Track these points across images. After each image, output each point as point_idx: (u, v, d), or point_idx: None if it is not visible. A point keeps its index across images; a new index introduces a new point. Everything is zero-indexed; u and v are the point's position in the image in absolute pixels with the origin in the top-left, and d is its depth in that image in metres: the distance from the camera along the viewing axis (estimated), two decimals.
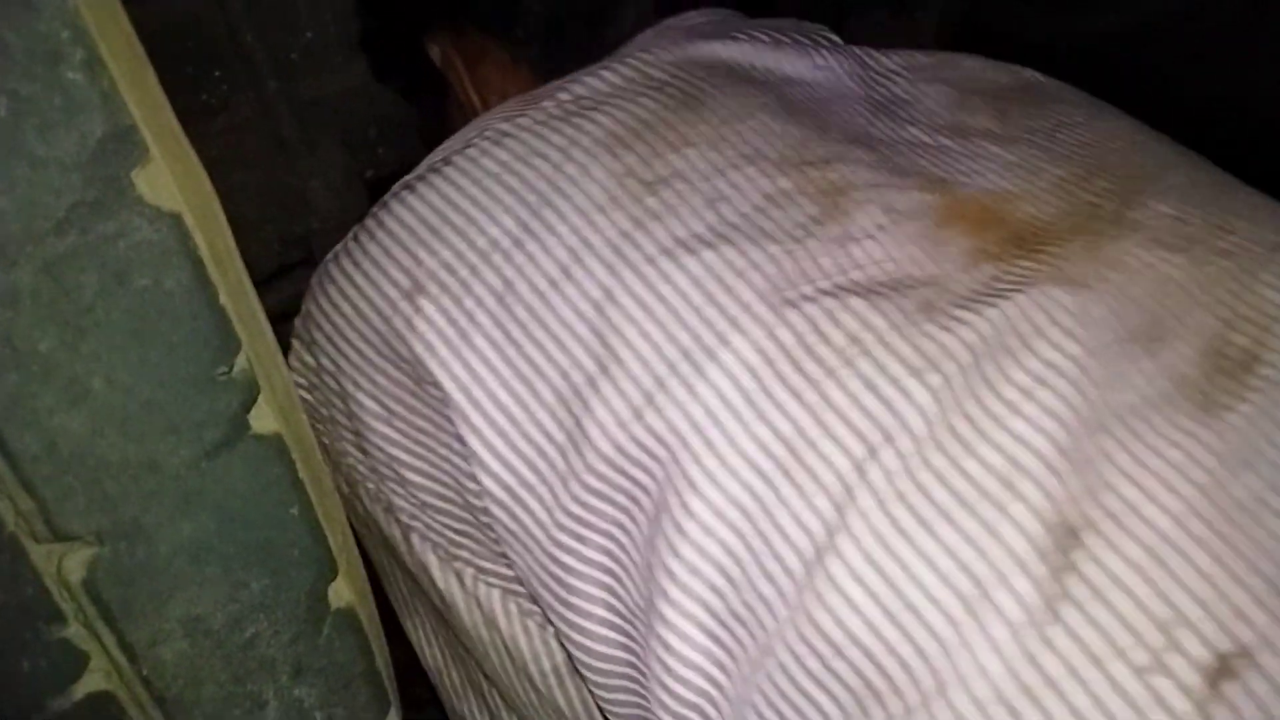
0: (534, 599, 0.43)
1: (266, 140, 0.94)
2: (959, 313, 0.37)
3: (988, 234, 0.41)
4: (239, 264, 0.40)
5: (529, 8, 0.57)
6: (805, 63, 0.51)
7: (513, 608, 0.47)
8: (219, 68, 0.91)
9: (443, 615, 0.50)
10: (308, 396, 0.53)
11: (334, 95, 0.98)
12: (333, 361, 0.50)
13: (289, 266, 1.02)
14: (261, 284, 1.01)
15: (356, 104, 1.02)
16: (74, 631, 0.31)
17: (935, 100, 0.51)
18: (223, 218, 0.40)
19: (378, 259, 0.47)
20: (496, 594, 0.47)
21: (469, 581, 0.48)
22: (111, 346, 0.28)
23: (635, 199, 0.42)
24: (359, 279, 0.48)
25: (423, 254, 0.45)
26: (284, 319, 1.05)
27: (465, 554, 0.48)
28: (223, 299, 0.31)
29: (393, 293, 0.46)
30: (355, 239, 0.50)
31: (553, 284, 0.42)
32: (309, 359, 0.52)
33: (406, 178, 0.51)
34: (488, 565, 0.47)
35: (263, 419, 0.33)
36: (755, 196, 0.41)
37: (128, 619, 0.31)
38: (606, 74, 0.49)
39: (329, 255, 0.52)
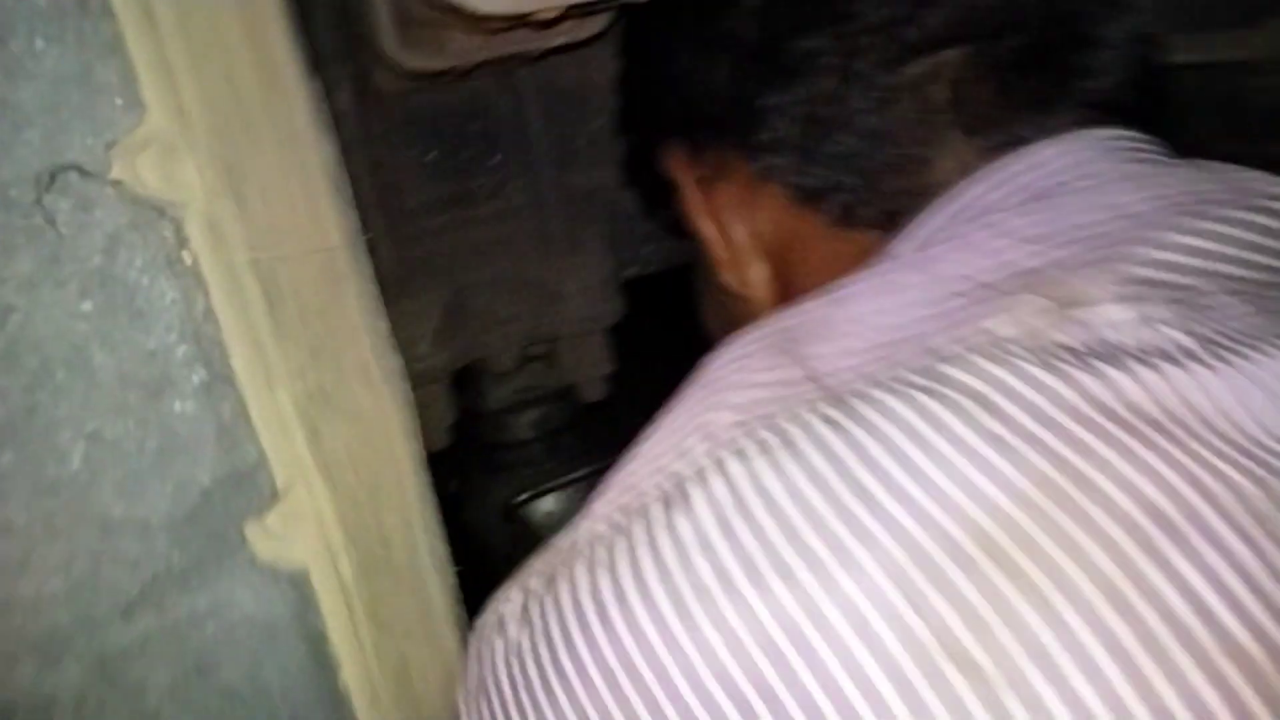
0: None
1: (531, 232, 0.89)
2: None
3: None
4: (420, 537, 0.31)
5: (771, 105, 0.39)
6: None
7: None
8: (498, 152, 0.88)
9: None
10: None
11: (610, 186, 0.92)
12: None
13: (527, 359, 0.97)
14: (499, 375, 0.96)
15: (630, 196, 0.96)
16: None
17: None
18: (414, 478, 0.31)
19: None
20: None
21: None
22: None
23: None
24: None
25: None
26: (508, 412, 1.01)
27: None
28: (345, 677, 0.22)
29: None
30: (502, 643, 0.31)
31: None
32: None
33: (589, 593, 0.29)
34: None
35: None
36: None
37: None
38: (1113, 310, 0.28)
39: (477, 633, 0.33)
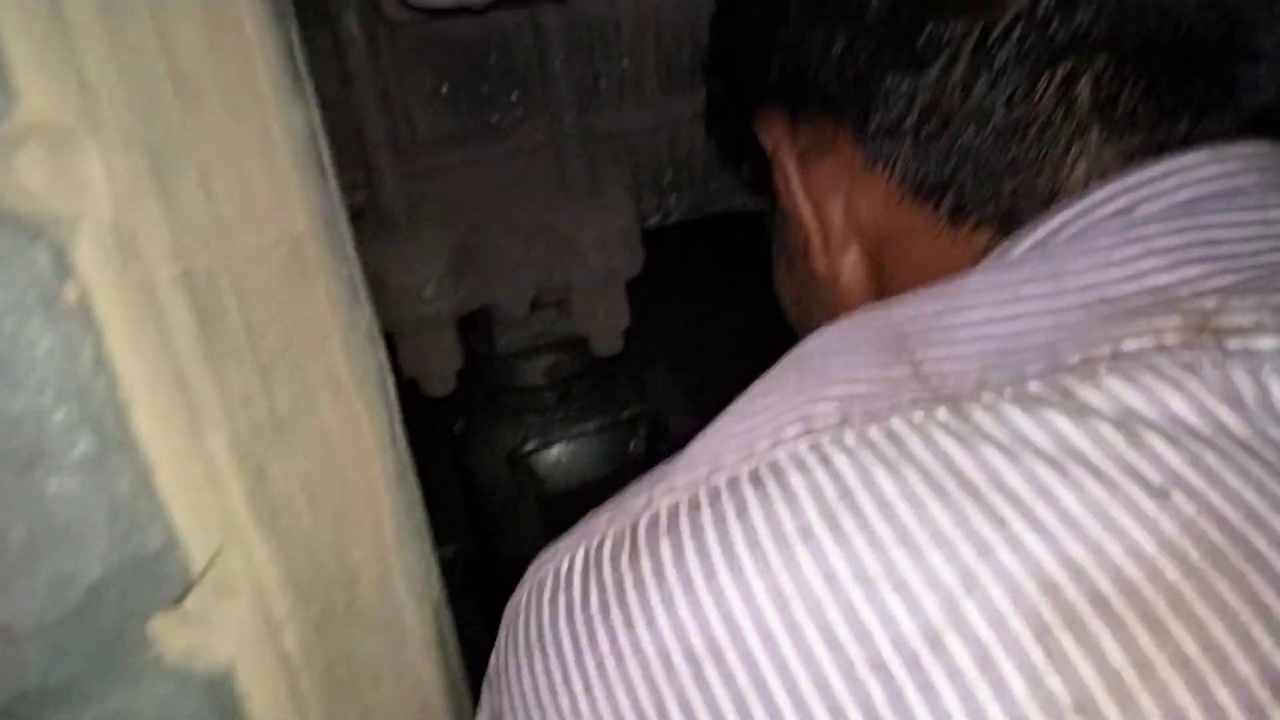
0: None
1: (548, 175, 0.86)
2: None
3: None
4: (394, 562, 0.27)
5: (894, 88, 0.36)
6: None
7: None
8: (518, 89, 0.83)
9: None
10: None
11: (634, 131, 0.88)
12: None
13: (538, 305, 0.94)
14: (507, 322, 0.93)
15: (657, 142, 0.92)
16: None
17: None
18: (390, 495, 0.27)
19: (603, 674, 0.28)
20: None
21: None
22: None
23: None
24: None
25: (673, 708, 0.26)
26: (519, 357, 0.98)
27: None
28: None
29: None
30: (565, 599, 0.30)
31: None
32: None
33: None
34: None
35: None
36: None
37: None
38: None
39: (529, 586, 0.32)
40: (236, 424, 0.19)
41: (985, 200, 0.35)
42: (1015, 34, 0.33)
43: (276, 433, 0.21)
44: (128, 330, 0.16)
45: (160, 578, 0.16)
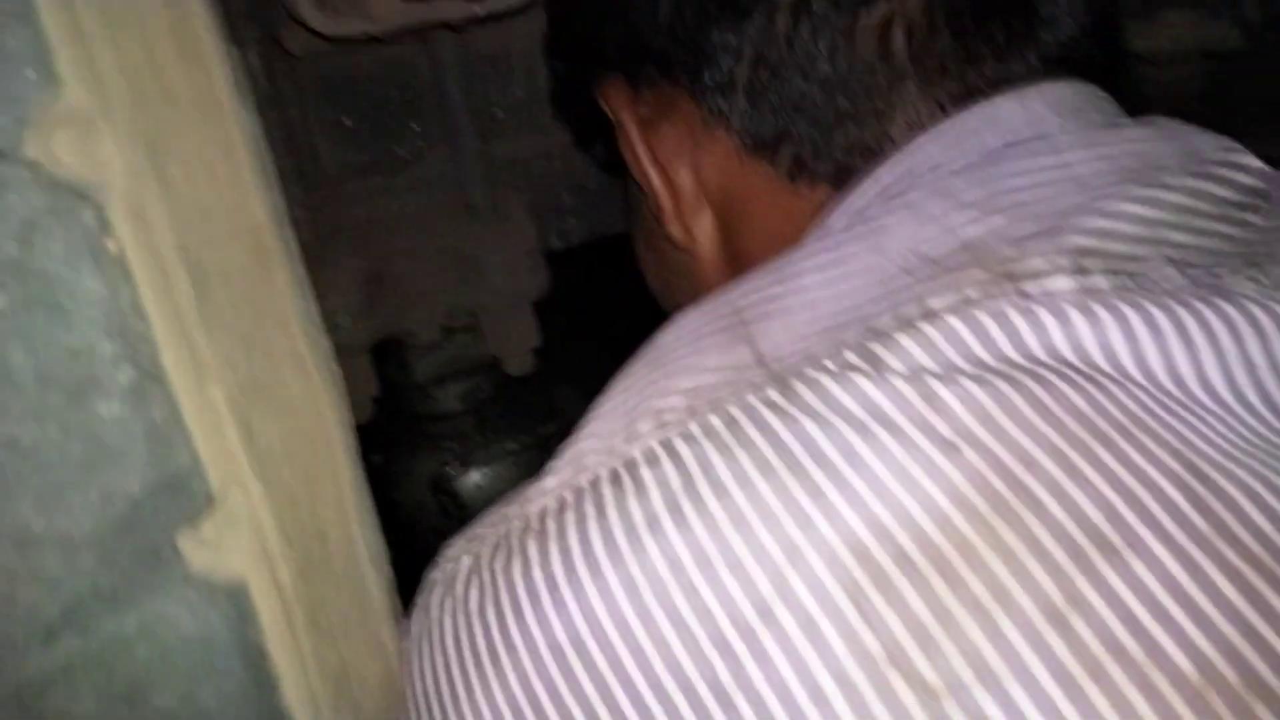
0: None
1: (452, 202, 0.88)
2: None
3: None
4: (356, 529, 0.30)
5: (721, 43, 0.37)
6: None
7: None
8: (417, 120, 0.85)
9: None
10: None
11: (532, 157, 0.91)
12: None
13: (451, 330, 0.95)
14: (424, 347, 0.94)
15: (554, 167, 0.95)
16: None
17: None
18: (348, 467, 0.30)
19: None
20: None
21: None
22: None
23: None
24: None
25: (544, 699, 0.27)
26: (434, 384, 0.99)
27: None
28: (288, 695, 0.21)
29: None
30: (450, 602, 0.31)
31: None
32: None
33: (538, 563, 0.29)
34: None
35: None
36: None
37: None
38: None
39: (425, 590, 0.33)
40: (227, 382, 0.22)
41: (820, 154, 0.36)
42: None
43: (256, 395, 0.24)
44: (149, 284, 0.19)
45: (187, 496, 0.19)
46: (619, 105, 0.42)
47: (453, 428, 0.95)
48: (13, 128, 0.16)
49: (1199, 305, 0.27)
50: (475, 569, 0.30)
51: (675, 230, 0.42)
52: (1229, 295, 0.28)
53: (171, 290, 0.19)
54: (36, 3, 0.16)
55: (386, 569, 0.35)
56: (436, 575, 0.32)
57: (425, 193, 0.86)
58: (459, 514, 0.95)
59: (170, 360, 0.18)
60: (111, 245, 0.17)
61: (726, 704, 0.24)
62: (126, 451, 0.17)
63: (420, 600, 0.32)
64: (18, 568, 0.17)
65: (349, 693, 0.27)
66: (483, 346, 0.90)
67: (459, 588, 0.30)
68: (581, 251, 0.94)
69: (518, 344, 0.92)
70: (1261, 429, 0.27)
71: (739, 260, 0.41)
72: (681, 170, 0.41)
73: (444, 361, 0.95)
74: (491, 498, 1.16)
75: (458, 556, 0.32)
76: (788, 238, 0.36)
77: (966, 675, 0.23)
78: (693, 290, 0.43)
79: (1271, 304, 0.27)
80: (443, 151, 0.86)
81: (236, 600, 0.20)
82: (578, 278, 0.97)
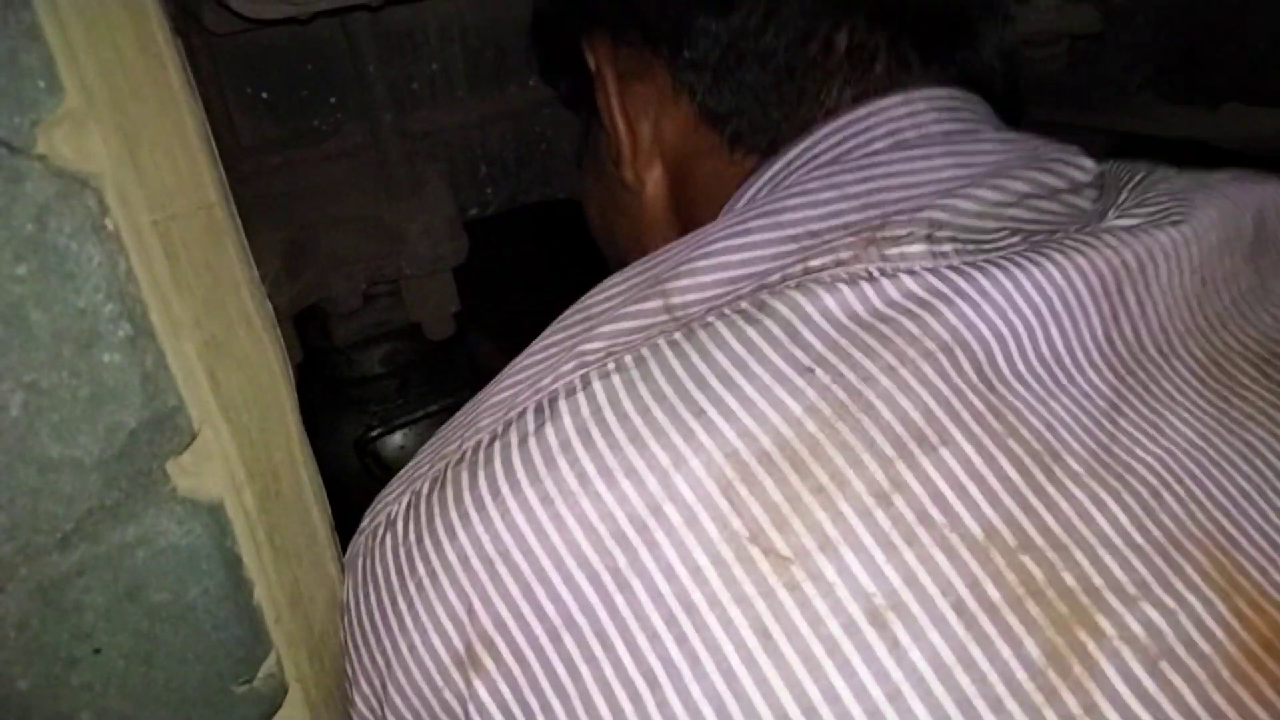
0: None
1: (371, 173, 0.89)
2: None
3: None
4: (302, 471, 0.34)
5: (704, 28, 0.42)
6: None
7: None
8: (335, 93, 0.86)
9: None
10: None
11: (449, 129, 0.92)
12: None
13: (371, 297, 0.97)
14: (343, 315, 0.96)
15: (471, 138, 0.96)
16: None
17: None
18: (293, 416, 0.34)
19: (423, 596, 0.32)
20: None
21: None
22: (108, 675, 0.23)
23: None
24: (392, 610, 0.33)
25: (477, 604, 0.31)
26: (357, 348, 1.01)
27: None
28: (258, 595, 0.25)
29: (443, 656, 0.31)
30: (390, 538, 0.34)
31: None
32: None
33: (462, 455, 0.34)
34: None
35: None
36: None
37: None
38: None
39: (365, 533, 0.37)
40: (196, 339, 0.25)
41: (757, 129, 0.42)
42: None
43: (218, 351, 0.27)
44: (137, 255, 0.22)
45: (173, 430, 0.23)
46: (602, 57, 0.47)
47: (375, 391, 0.97)
48: (29, 129, 0.19)
49: (1032, 257, 0.33)
50: (413, 504, 0.34)
51: (628, 174, 0.47)
52: (1058, 247, 0.33)
53: (150, 259, 0.23)
54: (41, 21, 0.20)
55: (328, 509, 0.39)
56: (379, 518, 0.36)
57: (344, 164, 0.87)
58: (383, 475, 0.98)
59: (156, 318, 0.22)
60: (109, 223, 0.21)
61: (624, 586, 0.28)
62: (125, 392, 0.21)
63: (360, 546, 0.36)
64: (39, 486, 0.21)
65: (302, 607, 0.31)
66: (403, 312, 0.92)
67: (399, 525, 0.34)
68: (499, 218, 0.97)
69: (438, 309, 0.93)
70: (1043, 348, 0.32)
71: (679, 209, 0.47)
72: (644, 125, 0.46)
73: (366, 327, 0.97)
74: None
75: (399, 495, 0.35)
76: (718, 196, 0.42)
77: (811, 545, 0.28)
78: (629, 226, 0.50)
79: (1088, 250, 0.33)
80: (360, 124, 0.86)
81: (216, 516, 0.24)
82: (496, 243, 1.00)
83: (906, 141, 0.39)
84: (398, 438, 1.00)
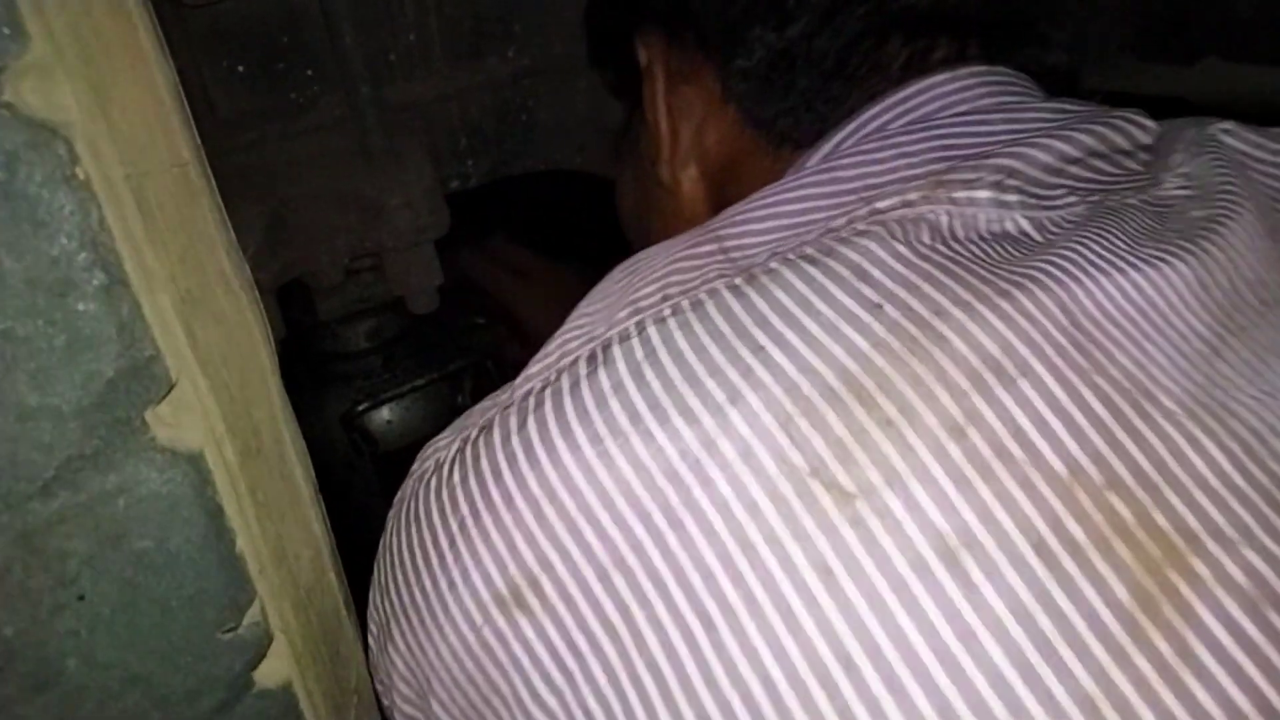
0: None
1: (351, 146, 0.89)
2: None
3: None
4: (284, 431, 0.34)
5: (759, 37, 0.42)
6: None
7: None
8: (311, 66, 0.86)
9: None
10: None
11: (427, 100, 0.92)
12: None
13: (354, 271, 0.97)
14: (329, 288, 0.95)
15: (450, 110, 0.96)
16: None
17: None
18: (274, 379, 0.34)
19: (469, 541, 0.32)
20: None
21: None
22: (93, 621, 0.23)
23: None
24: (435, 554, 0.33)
25: (521, 543, 0.30)
26: (341, 323, 1.01)
27: None
28: (240, 544, 0.26)
29: (484, 594, 0.31)
30: (436, 480, 0.34)
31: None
32: None
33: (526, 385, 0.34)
34: None
35: (273, 670, 0.27)
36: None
37: None
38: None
39: (413, 477, 0.37)
40: (171, 292, 0.26)
41: (803, 125, 0.41)
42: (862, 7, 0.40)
43: (194, 306, 0.28)
44: (109, 206, 0.22)
45: (150, 379, 0.23)
46: (654, 55, 0.47)
47: (361, 366, 0.97)
48: None
49: (1089, 212, 0.32)
50: (461, 449, 0.33)
51: (664, 173, 0.47)
52: (1113, 206, 0.33)
53: (123, 212, 0.23)
54: None
55: (312, 474, 0.40)
56: (426, 464, 0.35)
57: (323, 137, 0.87)
58: (370, 449, 0.98)
59: (130, 269, 0.22)
60: (80, 173, 0.21)
61: (676, 524, 0.27)
62: (101, 341, 0.21)
63: (407, 489, 0.36)
64: (19, 434, 0.21)
65: (287, 563, 0.32)
66: (387, 287, 0.92)
67: (445, 468, 0.33)
68: (480, 190, 0.96)
69: (421, 282, 0.93)
70: (1131, 291, 0.30)
71: (718, 209, 0.45)
72: (687, 127, 0.46)
73: (349, 301, 0.97)
74: (401, 433, 1.17)
75: (450, 442, 0.35)
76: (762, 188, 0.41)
77: (877, 480, 0.26)
78: (661, 222, 0.50)
79: (1146, 205, 0.33)
80: (338, 96, 0.86)
81: (197, 465, 0.24)
82: (479, 216, 0.99)
83: (960, 112, 0.39)
84: (384, 412, 1.01)
